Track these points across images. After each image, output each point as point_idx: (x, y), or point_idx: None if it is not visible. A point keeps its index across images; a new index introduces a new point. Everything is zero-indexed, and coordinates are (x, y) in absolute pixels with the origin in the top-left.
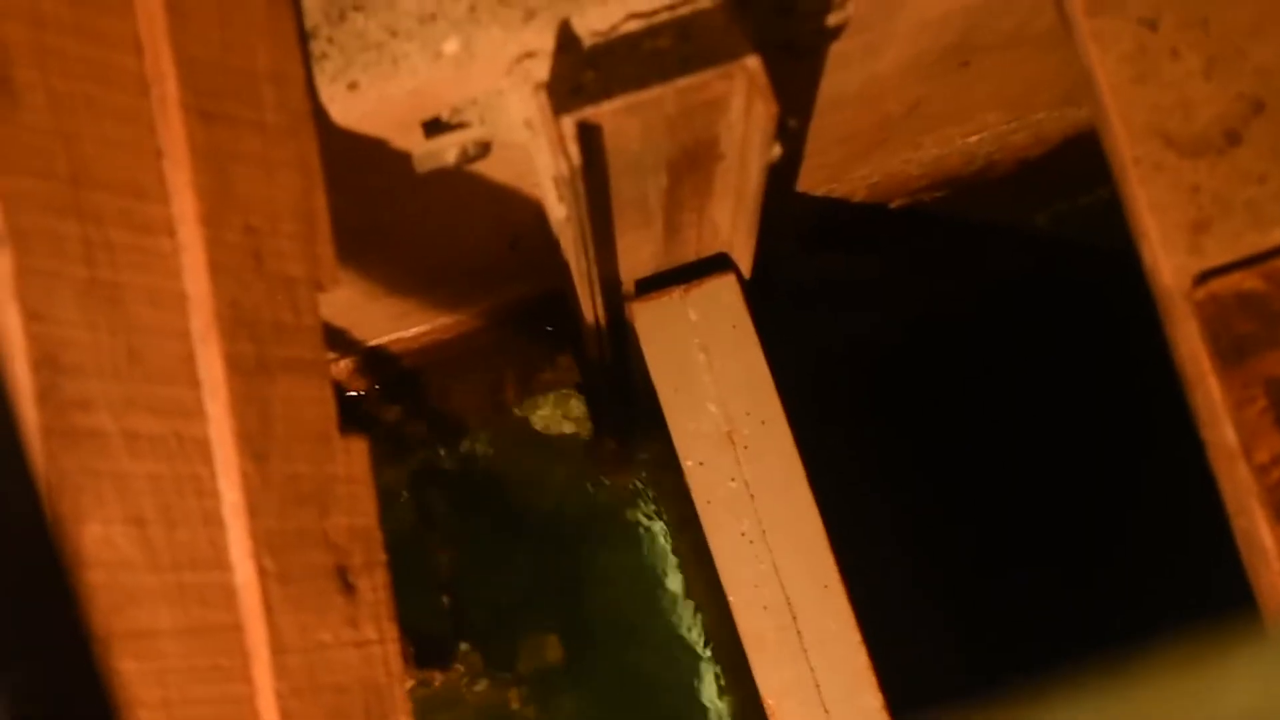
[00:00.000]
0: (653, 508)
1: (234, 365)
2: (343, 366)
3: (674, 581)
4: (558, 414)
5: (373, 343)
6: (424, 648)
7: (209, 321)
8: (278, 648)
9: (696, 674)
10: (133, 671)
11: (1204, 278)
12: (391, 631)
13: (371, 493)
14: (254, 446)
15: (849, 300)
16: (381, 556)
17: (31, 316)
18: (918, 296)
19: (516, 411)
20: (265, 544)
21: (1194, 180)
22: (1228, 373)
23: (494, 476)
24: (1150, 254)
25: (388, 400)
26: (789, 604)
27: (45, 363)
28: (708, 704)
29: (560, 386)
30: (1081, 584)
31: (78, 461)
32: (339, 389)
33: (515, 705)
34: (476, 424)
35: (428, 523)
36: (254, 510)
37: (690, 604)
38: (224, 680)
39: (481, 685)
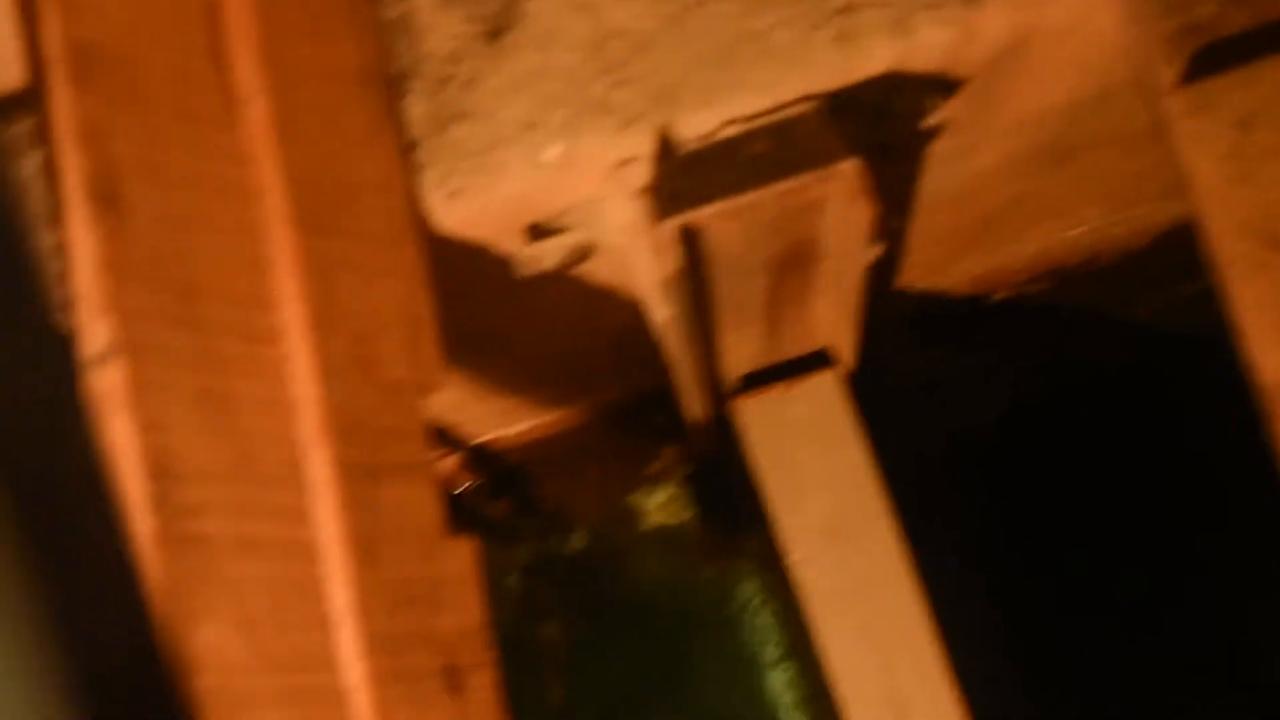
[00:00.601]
0: (761, 599)
1: (342, 470)
2: (449, 463)
3: (781, 674)
4: (663, 507)
5: (479, 440)
6: None
7: (317, 427)
8: None
9: None
10: None
11: None
12: None
13: (480, 592)
14: (363, 549)
15: (953, 393)
16: (490, 656)
17: (146, 426)
18: (1020, 388)
19: (623, 505)
20: (375, 646)
21: None
22: None
23: (601, 569)
24: (1250, 352)
25: (494, 495)
26: (898, 698)
27: (159, 471)
28: None
29: (666, 480)
30: (1190, 676)
31: (190, 567)
32: (445, 485)
33: None
34: (583, 517)
35: (536, 615)
36: (364, 612)
37: (799, 696)
38: None
39: None
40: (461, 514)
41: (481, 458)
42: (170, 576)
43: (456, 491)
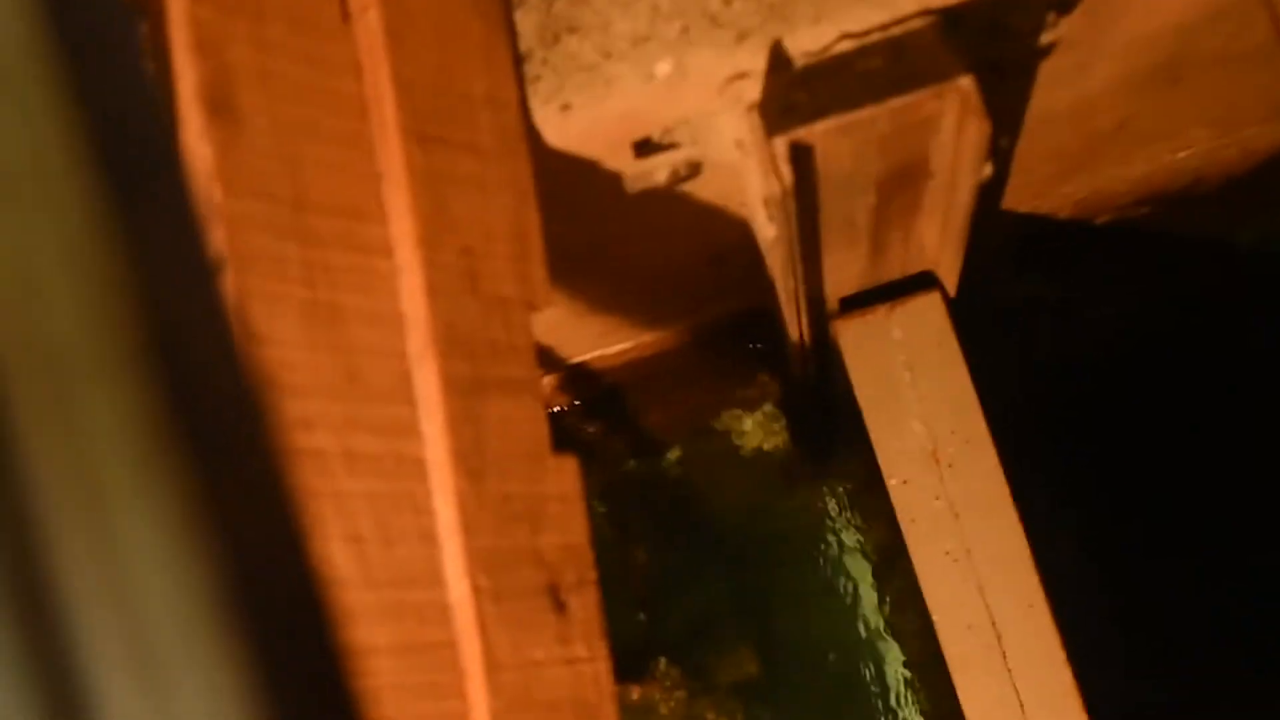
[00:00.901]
0: (852, 524)
1: (450, 385)
2: (546, 383)
3: (872, 599)
4: (758, 430)
5: (576, 360)
6: (621, 661)
7: (426, 342)
8: (492, 665)
9: (894, 692)
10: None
11: None
12: (602, 649)
13: (583, 511)
14: (469, 465)
15: (1054, 317)
16: (592, 575)
17: (253, 337)
18: (1122, 312)
19: (716, 427)
20: (480, 562)
21: None
22: None
23: (693, 491)
24: None
25: (589, 416)
26: (993, 623)
27: (267, 384)
28: (907, 718)
29: (761, 403)
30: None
31: (298, 481)
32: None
33: (710, 718)
34: (676, 439)
35: (626, 536)
36: (469, 528)
37: (889, 622)
38: (439, 697)
39: (677, 698)
40: (558, 434)
41: (578, 378)
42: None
43: (553, 411)
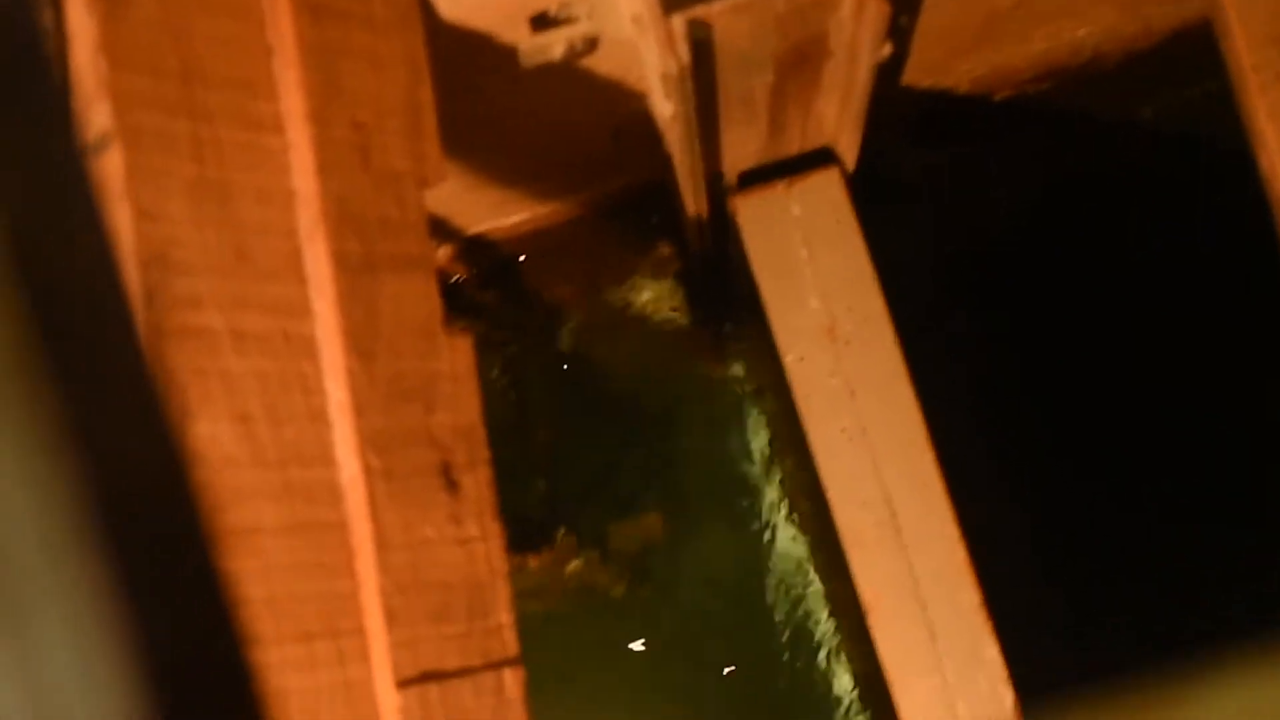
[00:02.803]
0: (751, 397)
1: (341, 262)
2: (441, 253)
3: (770, 474)
4: (656, 301)
5: (472, 231)
6: (520, 531)
7: (316, 218)
8: (382, 544)
9: (792, 564)
10: (237, 570)
11: None
12: (494, 528)
13: (476, 390)
14: (360, 344)
15: (954, 194)
16: (485, 454)
17: (141, 214)
18: (1021, 189)
19: (614, 298)
20: (371, 441)
21: None
22: None
23: (591, 361)
24: (1268, 160)
25: (486, 286)
26: (888, 500)
27: (154, 261)
28: (802, 591)
29: (659, 274)
30: (1171, 498)
31: (185, 359)
32: (439, 276)
33: (608, 585)
34: (574, 310)
35: (524, 407)
36: (360, 408)
37: (786, 497)
38: (328, 577)
39: (575, 566)
40: (453, 304)
41: (474, 249)
42: (166, 370)
43: (449, 282)
